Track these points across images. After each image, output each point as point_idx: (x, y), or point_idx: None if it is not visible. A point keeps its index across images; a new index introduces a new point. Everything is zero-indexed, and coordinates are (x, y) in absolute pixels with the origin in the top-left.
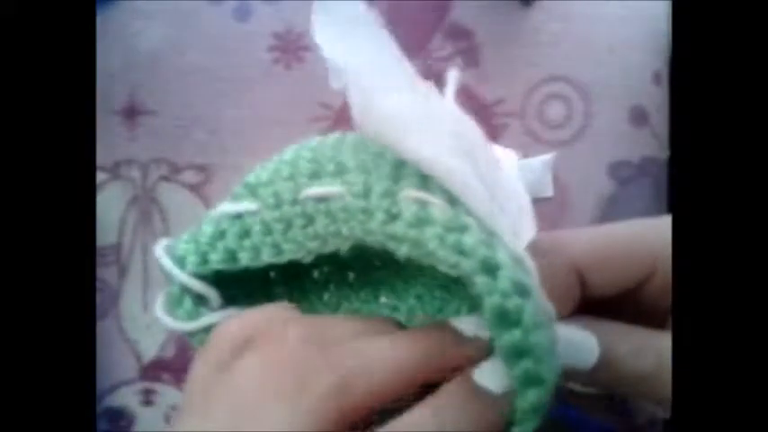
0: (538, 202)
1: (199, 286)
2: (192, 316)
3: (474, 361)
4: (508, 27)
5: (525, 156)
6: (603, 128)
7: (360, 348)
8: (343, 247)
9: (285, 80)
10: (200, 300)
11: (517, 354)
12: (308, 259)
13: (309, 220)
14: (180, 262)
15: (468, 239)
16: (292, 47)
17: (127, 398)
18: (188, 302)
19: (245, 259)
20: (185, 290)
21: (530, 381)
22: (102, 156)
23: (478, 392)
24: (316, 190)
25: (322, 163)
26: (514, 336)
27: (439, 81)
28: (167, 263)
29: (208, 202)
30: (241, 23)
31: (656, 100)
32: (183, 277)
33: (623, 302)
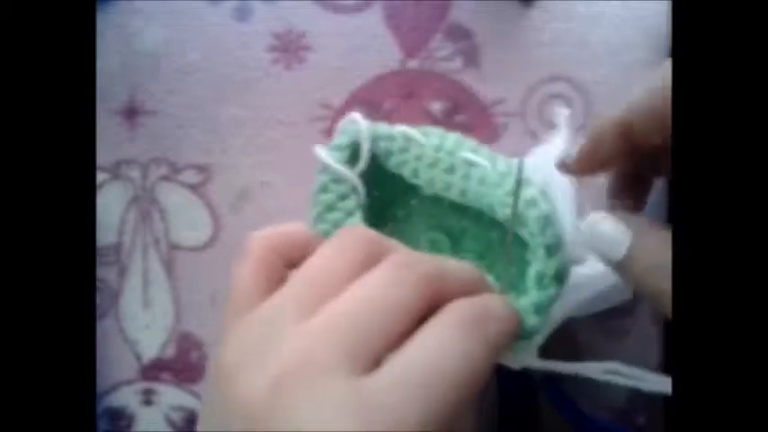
0: None
1: (350, 174)
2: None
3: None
4: (508, 27)
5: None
6: None
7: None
8: (459, 199)
9: (285, 80)
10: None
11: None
12: (428, 191)
13: (451, 169)
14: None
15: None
16: (292, 47)
17: (127, 398)
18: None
19: (391, 164)
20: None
21: (553, 247)
22: (102, 156)
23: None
24: (471, 155)
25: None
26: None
27: (439, 81)
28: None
29: (208, 202)
30: (241, 23)
31: None
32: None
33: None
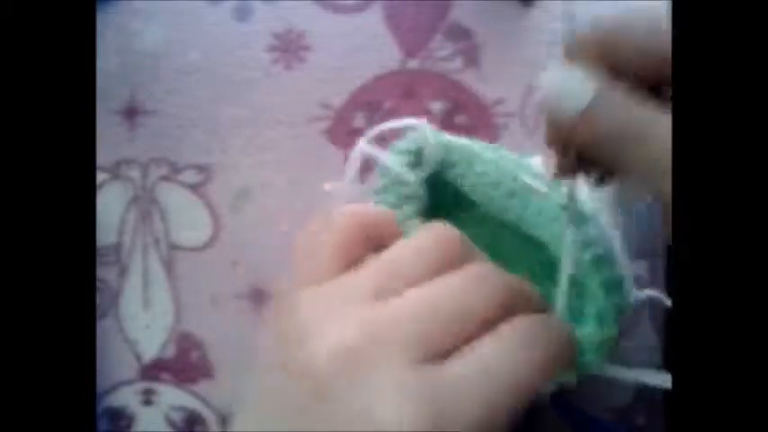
0: None
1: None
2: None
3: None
4: (508, 27)
5: (525, 156)
6: None
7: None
8: (514, 223)
9: (285, 80)
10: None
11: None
12: (483, 209)
13: (512, 194)
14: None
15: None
16: (292, 47)
17: (127, 398)
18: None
19: (450, 175)
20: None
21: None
22: (102, 156)
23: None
24: (531, 181)
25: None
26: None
27: (439, 81)
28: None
29: (208, 202)
30: (241, 23)
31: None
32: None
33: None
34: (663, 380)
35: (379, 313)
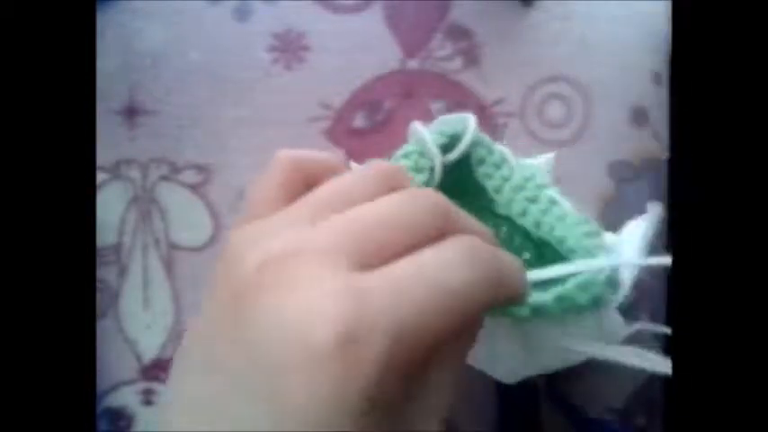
0: None
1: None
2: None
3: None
4: (508, 27)
5: (525, 156)
6: (603, 128)
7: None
8: (531, 228)
9: (285, 80)
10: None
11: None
12: (502, 210)
13: (535, 199)
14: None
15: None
16: (292, 47)
17: (127, 398)
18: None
19: (479, 173)
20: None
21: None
22: (102, 156)
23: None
24: (557, 196)
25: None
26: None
27: (439, 81)
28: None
29: (208, 202)
30: (241, 23)
31: (656, 100)
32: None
33: None
34: (664, 365)
35: (312, 229)
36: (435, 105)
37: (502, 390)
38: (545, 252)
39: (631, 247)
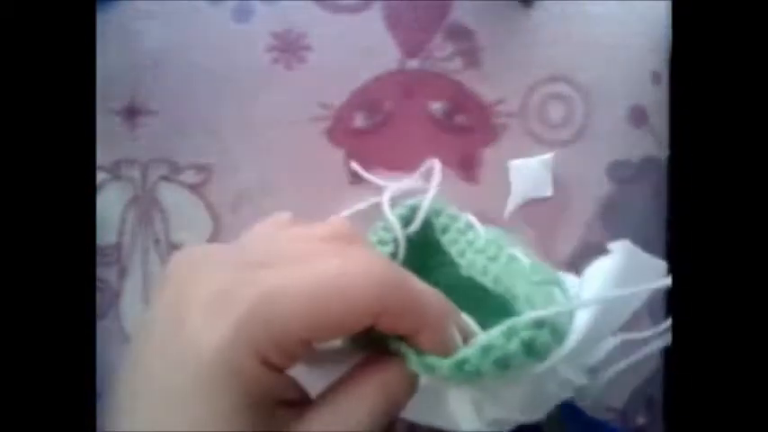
0: (537, 201)
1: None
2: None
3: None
4: (508, 27)
5: (525, 156)
6: (603, 128)
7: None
8: (490, 285)
9: (285, 80)
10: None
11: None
12: (465, 272)
13: (495, 258)
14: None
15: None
16: (292, 47)
17: None
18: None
19: (444, 239)
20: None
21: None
22: (102, 156)
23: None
24: (518, 254)
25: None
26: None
27: (439, 81)
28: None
29: (208, 202)
30: (241, 24)
31: (656, 100)
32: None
33: None
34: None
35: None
36: (435, 105)
37: None
38: (510, 310)
39: (591, 289)
